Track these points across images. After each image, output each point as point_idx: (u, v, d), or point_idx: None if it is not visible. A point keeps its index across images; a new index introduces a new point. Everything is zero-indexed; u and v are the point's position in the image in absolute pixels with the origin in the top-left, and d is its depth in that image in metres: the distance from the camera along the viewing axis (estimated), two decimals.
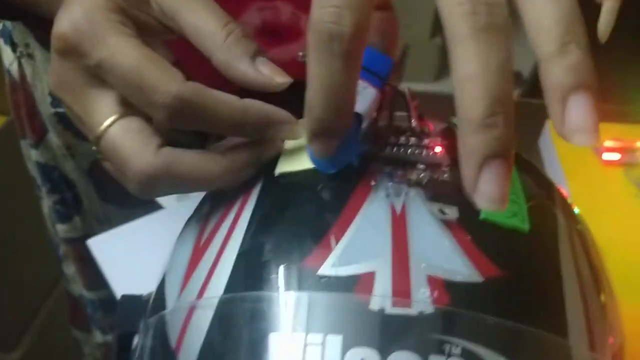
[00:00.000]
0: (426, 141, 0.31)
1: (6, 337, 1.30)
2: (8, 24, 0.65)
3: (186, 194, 0.35)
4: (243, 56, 0.29)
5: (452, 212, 0.28)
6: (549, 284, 0.29)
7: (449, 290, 0.26)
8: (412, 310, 0.25)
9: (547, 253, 0.29)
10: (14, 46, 0.66)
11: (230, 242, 0.30)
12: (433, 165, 0.30)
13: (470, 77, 0.22)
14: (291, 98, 0.30)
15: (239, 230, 0.30)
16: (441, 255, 0.27)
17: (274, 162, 0.32)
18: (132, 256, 0.60)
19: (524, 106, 0.88)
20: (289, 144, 0.33)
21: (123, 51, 0.29)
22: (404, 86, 0.33)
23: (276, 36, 0.66)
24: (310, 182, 0.31)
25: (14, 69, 0.68)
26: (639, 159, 0.68)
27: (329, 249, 0.27)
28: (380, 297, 0.26)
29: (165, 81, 0.28)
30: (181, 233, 0.35)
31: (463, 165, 0.23)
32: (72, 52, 0.30)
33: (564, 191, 0.36)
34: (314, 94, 0.25)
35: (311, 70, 0.25)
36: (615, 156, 0.69)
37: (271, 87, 0.29)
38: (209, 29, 0.29)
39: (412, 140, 0.31)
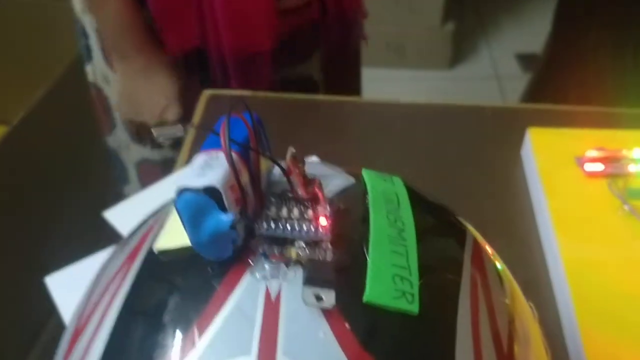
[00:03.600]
0: (310, 213, 0.28)
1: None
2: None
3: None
4: None
5: (329, 298, 0.25)
6: None
7: None
8: None
9: (438, 337, 0.26)
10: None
11: (100, 330, 0.28)
12: (314, 243, 0.27)
13: None
14: None
15: (110, 315, 0.28)
16: (314, 350, 0.25)
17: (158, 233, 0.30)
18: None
19: (505, 112, 0.84)
20: (171, 217, 0.30)
21: None
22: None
23: None
24: (184, 263, 0.28)
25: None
26: (624, 169, 0.64)
27: (191, 345, 0.25)
28: None
29: None
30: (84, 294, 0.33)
31: None
32: None
33: (479, 237, 0.33)
34: None
35: None
36: (599, 167, 0.64)
37: None
38: None
39: (295, 212, 0.28)
